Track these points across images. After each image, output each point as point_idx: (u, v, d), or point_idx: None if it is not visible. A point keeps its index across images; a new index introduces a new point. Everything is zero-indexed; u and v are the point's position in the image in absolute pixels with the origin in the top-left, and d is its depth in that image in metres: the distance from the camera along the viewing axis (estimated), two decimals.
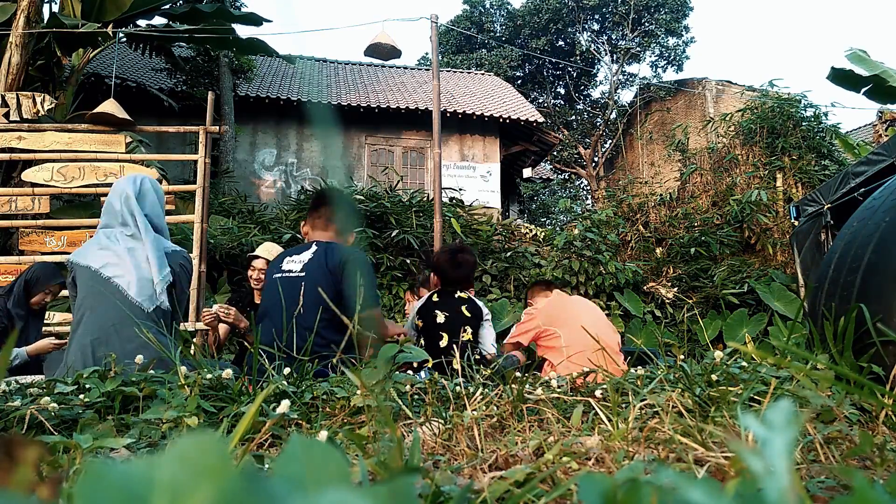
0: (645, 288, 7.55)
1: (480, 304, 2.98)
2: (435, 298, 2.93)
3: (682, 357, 1.27)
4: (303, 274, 2.34)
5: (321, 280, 2.27)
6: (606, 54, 19.02)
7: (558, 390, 1.24)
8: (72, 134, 4.75)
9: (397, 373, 1.33)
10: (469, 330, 2.83)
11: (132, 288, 2.12)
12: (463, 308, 2.88)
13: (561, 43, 19.06)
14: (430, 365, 2.36)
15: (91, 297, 2.14)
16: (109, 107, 4.77)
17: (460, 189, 9.14)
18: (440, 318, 2.83)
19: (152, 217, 2.30)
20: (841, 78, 7.09)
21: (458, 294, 2.95)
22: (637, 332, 6.82)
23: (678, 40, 18.76)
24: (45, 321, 4.25)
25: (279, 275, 2.39)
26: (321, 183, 10.91)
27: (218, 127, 5.17)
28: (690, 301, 7.48)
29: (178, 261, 2.27)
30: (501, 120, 11.73)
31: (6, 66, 5.65)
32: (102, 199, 4.64)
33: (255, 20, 7.17)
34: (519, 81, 19.25)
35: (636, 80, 18.93)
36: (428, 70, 14.51)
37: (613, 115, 18.16)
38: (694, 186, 9.55)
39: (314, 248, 2.41)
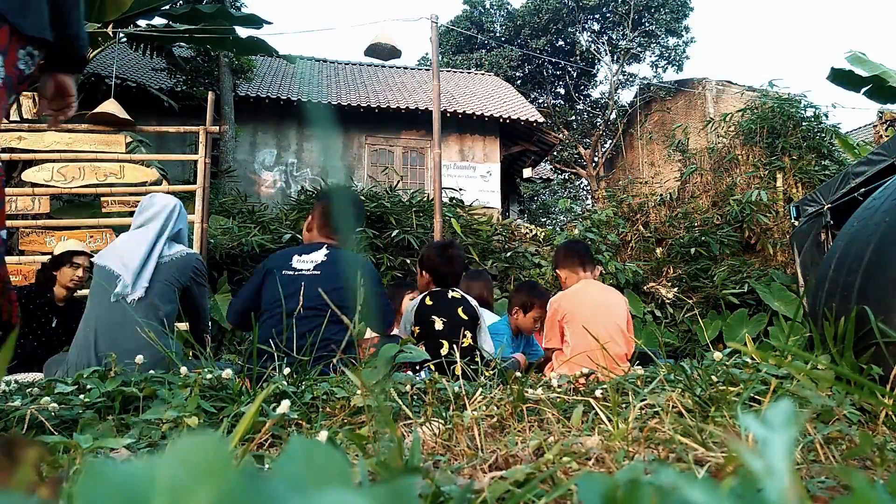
0: (645, 288, 7.56)
1: (474, 302, 2.91)
2: (428, 301, 2.82)
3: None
4: (318, 273, 2.32)
5: (339, 281, 2.28)
6: (606, 54, 19.02)
7: (558, 390, 1.24)
8: (72, 134, 4.75)
9: (397, 373, 1.33)
10: (469, 335, 2.77)
11: (124, 277, 2.15)
12: (459, 311, 2.79)
13: (561, 43, 19.06)
14: (431, 367, 2.33)
15: (97, 295, 2.16)
16: (110, 107, 4.77)
17: (460, 189, 9.14)
18: (438, 324, 2.72)
19: (181, 230, 2.43)
20: (841, 78, 7.08)
21: (451, 294, 2.86)
22: (637, 333, 6.82)
23: (678, 40, 18.76)
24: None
25: (289, 272, 2.34)
26: (322, 183, 10.91)
27: (218, 127, 5.17)
28: (690, 301, 7.48)
29: (191, 265, 2.30)
30: (501, 120, 11.73)
31: None
32: (103, 199, 4.65)
33: (255, 21, 7.17)
34: (519, 81, 19.24)
35: (636, 80, 18.94)
36: (428, 70, 14.51)
37: (613, 115, 18.16)
38: (694, 186, 9.55)
39: (325, 250, 2.41)
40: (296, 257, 2.39)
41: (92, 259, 3.39)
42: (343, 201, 2.66)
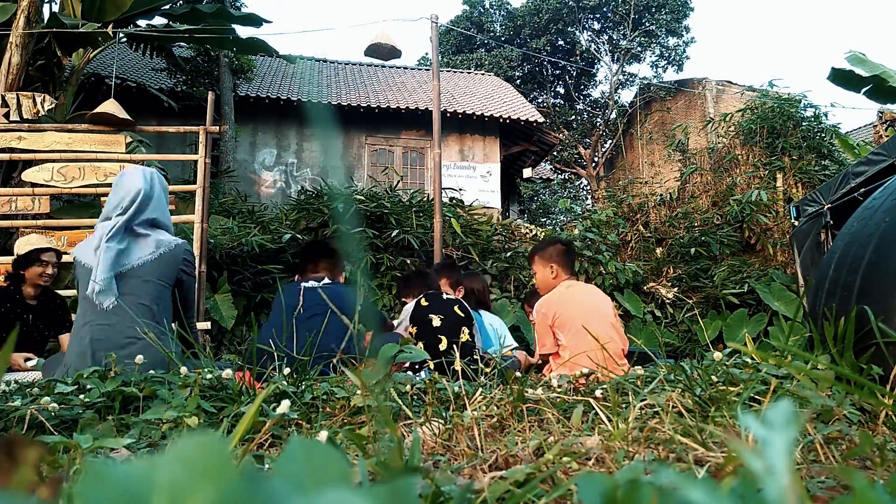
0: (645, 288, 7.55)
1: (466, 304, 3.01)
2: (424, 302, 2.91)
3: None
4: (328, 287, 2.68)
5: (346, 296, 2.62)
6: (606, 54, 19.02)
7: (558, 390, 1.24)
8: (72, 134, 4.75)
9: (397, 373, 1.33)
10: (466, 331, 2.82)
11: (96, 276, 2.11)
12: (456, 309, 2.87)
13: (561, 43, 19.06)
14: (431, 366, 2.35)
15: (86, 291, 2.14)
16: (110, 107, 4.77)
17: (460, 189, 9.13)
18: (436, 321, 2.80)
19: (158, 217, 2.29)
20: (841, 78, 7.09)
21: (447, 296, 2.97)
22: (637, 333, 6.81)
23: (678, 40, 18.77)
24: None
25: (298, 289, 2.66)
26: (321, 183, 10.91)
27: (218, 127, 5.17)
28: (690, 301, 7.48)
29: (180, 257, 2.24)
30: (501, 120, 11.73)
31: (6, 66, 5.65)
32: (102, 199, 4.64)
33: (255, 21, 7.17)
34: (519, 81, 19.24)
35: (636, 80, 18.94)
36: (428, 70, 14.51)
37: (613, 115, 18.16)
38: (694, 186, 9.55)
39: (327, 280, 2.79)
40: (303, 285, 2.73)
41: (71, 254, 3.37)
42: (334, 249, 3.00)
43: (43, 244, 3.31)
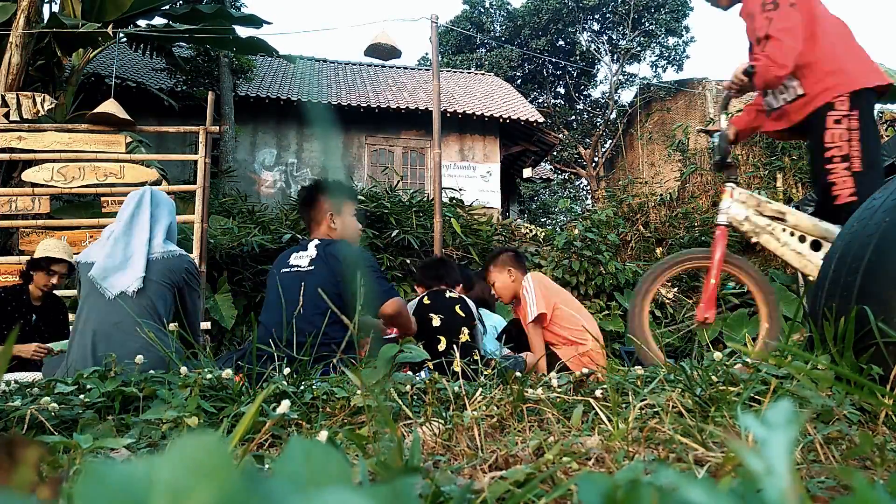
0: None
1: (471, 303, 2.96)
2: (427, 301, 2.88)
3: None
4: (311, 268, 2.35)
5: (328, 277, 2.28)
6: (606, 54, 19.03)
7: (558, 390, 1.24)
8: (72, 134, 4.75)
9: (397, 373, 1.33)
10: (466, 331, 2.81)
11: (103, 276, 2.13)
12: (457, 308, 2.85)
13: (561, 43, 19.07)
14: (430, 366, 2.34)
15: (93, 294, 2.15)
16: (110, 107, 4.77)
17: (460, 189, 9.13)
18: (436, 321, 2.78)
19: (157, 232, 2.33)
20: None
21: (450, 294, 2.93)
22: None
23: (678, 40, 18.78)
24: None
25: (286, 269, 2.40)
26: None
27: (218, 127, 5.17)
28: (690, 301, 7.48)
29: (184, 265, 2.27)
30: (501, 120, 11.73)
31: (6, 66, 5.65)
32: (103, 199, 4.65)
33: (255, 22, 7.17)
34: (519, 81, 19.25)
35: (636, 80, 18.94)
36: (428, 70, 14.51)
37: (613, 115, 18.16)
38: (694, 186, 9.55)
39: (316, 243, 2.45)
40: (294, 255, 2.46)
41: (76, 257, 3.41)
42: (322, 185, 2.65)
43: (58, 254, 3.31)
